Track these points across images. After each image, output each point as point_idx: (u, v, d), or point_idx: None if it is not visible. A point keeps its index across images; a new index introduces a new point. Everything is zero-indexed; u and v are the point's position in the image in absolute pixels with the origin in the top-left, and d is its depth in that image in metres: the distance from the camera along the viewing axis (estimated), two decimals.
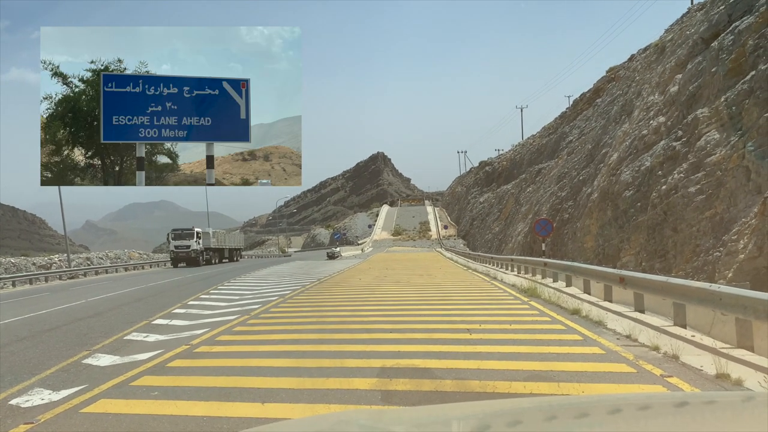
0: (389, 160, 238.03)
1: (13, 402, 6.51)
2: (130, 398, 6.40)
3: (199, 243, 47.22)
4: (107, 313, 15.20)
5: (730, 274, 13.78)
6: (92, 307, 16.73)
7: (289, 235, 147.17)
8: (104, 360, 8.69)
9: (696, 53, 21.27)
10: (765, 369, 6.28)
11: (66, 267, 40.64)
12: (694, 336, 8.34)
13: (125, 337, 10.79)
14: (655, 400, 2.29)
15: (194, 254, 46.69)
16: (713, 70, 18.84)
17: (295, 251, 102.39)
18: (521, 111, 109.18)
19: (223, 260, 54.74)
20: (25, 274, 34.56)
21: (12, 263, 39.31)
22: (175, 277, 30.99)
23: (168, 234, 48.57)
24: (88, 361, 8.69)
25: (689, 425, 1.74)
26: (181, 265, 46.73)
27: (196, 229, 47.84)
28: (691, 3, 33.47)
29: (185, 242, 46.77)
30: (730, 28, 18.56)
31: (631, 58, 43.16)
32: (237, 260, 59.13)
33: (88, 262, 46.47)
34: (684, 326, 9.00)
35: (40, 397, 6.66)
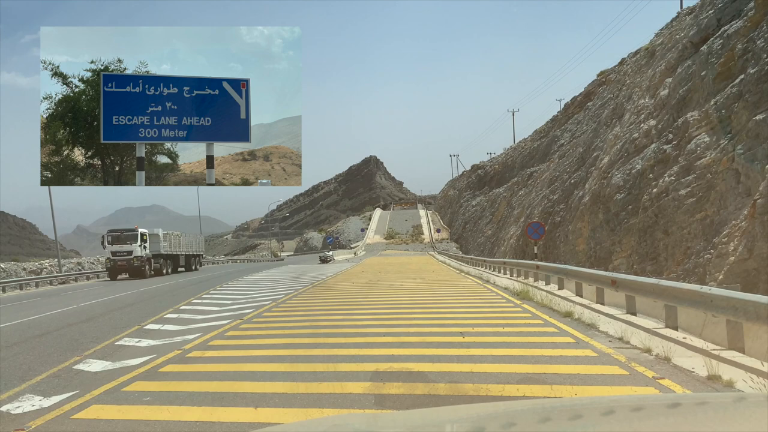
0: (382, 163, 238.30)
1: (4, 408, 6.45)
2: (122, 404, 6.36)
3: (144, 248, 37.88)
4: (99, 318, 15.10)
5: (720, 276, 13.87)
6: (83, 312, 16.62)
7: (282, 239, 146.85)
8: (96, 365, 8.63)
9: (686, 57, 21.44)
10: (756, 370, 6.32)
11: (57, 272, 40.32)
12: (685, 338, 8.39)
13: (117, 343, 10.72)
14: (647, 402, 2.30)
15: (138, 262, 37.16)
16: (703, 73, 18.99)
17: (287, 255, 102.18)
18: (513, 115, 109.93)
19: (179, 269, 44.88)
20: (15, 279, 34.24)
21: (2, 268, 38.90)
22: (166, 282, 30.85)
23: (103, 236, 38.55)
24: (80, 366, 8.63)
25: (681, 426, 1.75)
26: (122, 277, 37.79)
27: (140, 230, 38.19)
28: (681, 7, 33.77)
29: (126, 247, 37.12)
30: (719, 32, 18.73)
31: (622, 61, 43.46)
32: (196, 269, 48.06)
33: (79, 267, 45.58)
34: (676, 328, 9.05)
35: (31, 403, 6.61)
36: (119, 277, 37.63)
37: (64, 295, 24.72)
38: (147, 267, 37.97)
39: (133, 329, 12.41)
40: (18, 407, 6.46)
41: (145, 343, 10.58)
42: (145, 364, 8.44)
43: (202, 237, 53.91)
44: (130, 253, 37.15)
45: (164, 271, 40.64)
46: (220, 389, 6.71)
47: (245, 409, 5.88)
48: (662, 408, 2.00)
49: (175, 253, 43.80)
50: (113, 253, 37.36)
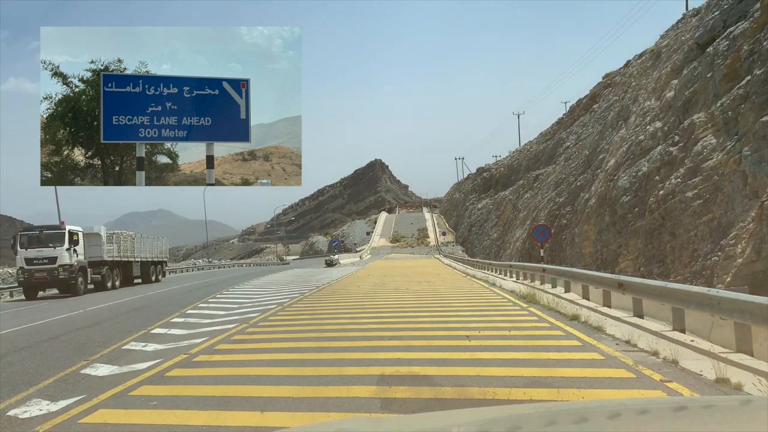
0: (387, 167, 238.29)
1: (12, 413, 6.48)
2: (128, 408, 6.37)
3: (75, 253, 26.93)
4: (105, 322, 15.15)
5: (728, 279, 13.80)
6: (90, 317, 16.67)
7: (288, 243, 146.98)
8: (103, 370, 8.65)
9: (691, 58, 21.38)
10: (764, 373, 6.28)
11: None
12: (693, 340, 8.35)
13: (124, 347, 10.75)
14: (653, 405, 2.29)
15: (65, 273, 26.12)
16: (709, 75, 18.93)
17: (293, 259, 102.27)
18: (518, 117, 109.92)
19: (135, 280, 34.04)
20: None
21: (10, 273, 39.07)
22: (173, 287, 30.92)
23: (14, 237, 27.36)
24: (87, 371, 8.65)
25: (688, 430, 1.74)
26: (46, 293, 27.92)
27: (68, 228, 27.08)
28: (686, 9, 33.69)
29: (47, 252, 26.26)
30: (725, 34, 18.67)
31: (627, 63, 43.40)
32: (157, 280, 36.46)
33: None
34: (683, 331, 9.00)
35: (38, 407, 6.63)
36: (39, 295, 27.21)
37: (72, 300, 24.80)
38: (80, 279, 27.18)
39: (139, 333, 12.44)
40: (26, 412, 6.49)
41: (151, 347, 10.60)
42: (152, 369, 8.45)
43: (167, 240, 41.85)
44: (53, 260, 26.24)
45: (109, 284, 30.01)
46: (226, 393, 6.72)
47: (251, 413, 5.88)
48: (668, 411, 1.99)
49: (126, 259, 32.68)
50: (28, 261, 26.31)
